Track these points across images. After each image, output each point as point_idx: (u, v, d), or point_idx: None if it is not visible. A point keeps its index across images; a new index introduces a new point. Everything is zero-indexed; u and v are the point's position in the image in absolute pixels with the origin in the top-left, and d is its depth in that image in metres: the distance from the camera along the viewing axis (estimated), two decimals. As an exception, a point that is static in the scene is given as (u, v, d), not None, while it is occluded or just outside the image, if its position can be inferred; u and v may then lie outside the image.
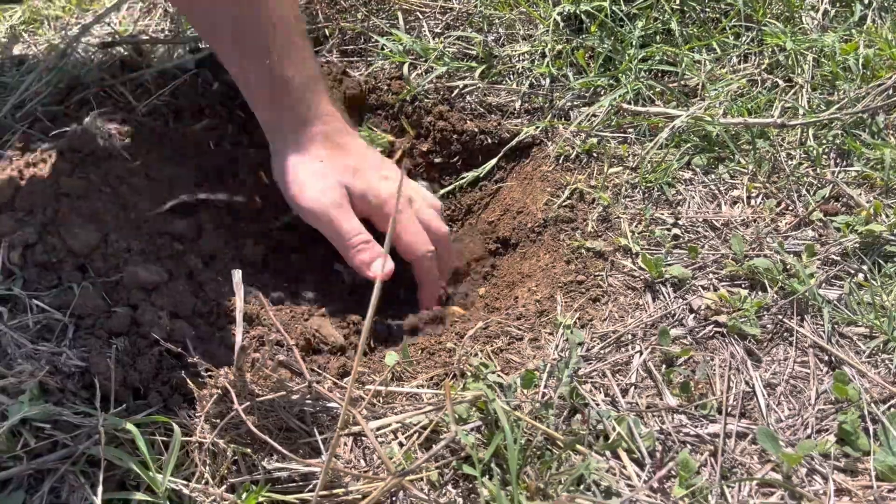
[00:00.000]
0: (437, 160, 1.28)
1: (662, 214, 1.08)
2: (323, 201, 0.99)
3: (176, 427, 0.72)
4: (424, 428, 0.80)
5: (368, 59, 1.35)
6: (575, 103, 1.28)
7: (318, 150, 1.02)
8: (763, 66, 1.27)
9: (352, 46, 1.37)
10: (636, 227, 1.07)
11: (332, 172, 1.01)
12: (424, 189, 1.18)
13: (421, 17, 1.39)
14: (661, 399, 0.85)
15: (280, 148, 1.03)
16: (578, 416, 0.82)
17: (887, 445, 0.78)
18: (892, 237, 0.99)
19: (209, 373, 0.78)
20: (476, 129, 1.26)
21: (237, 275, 0.89)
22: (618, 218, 1.09)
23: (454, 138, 1.27)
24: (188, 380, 0.78)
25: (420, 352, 0.96)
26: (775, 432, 0.80)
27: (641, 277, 1.00)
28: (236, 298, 0.86)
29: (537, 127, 1.25)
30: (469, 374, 0.88)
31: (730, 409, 0.83)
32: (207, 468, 0.75)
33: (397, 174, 1.06)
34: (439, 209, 1.13)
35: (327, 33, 1.39)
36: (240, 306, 0.84)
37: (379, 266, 0.98)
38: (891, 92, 1.20)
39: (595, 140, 1.20)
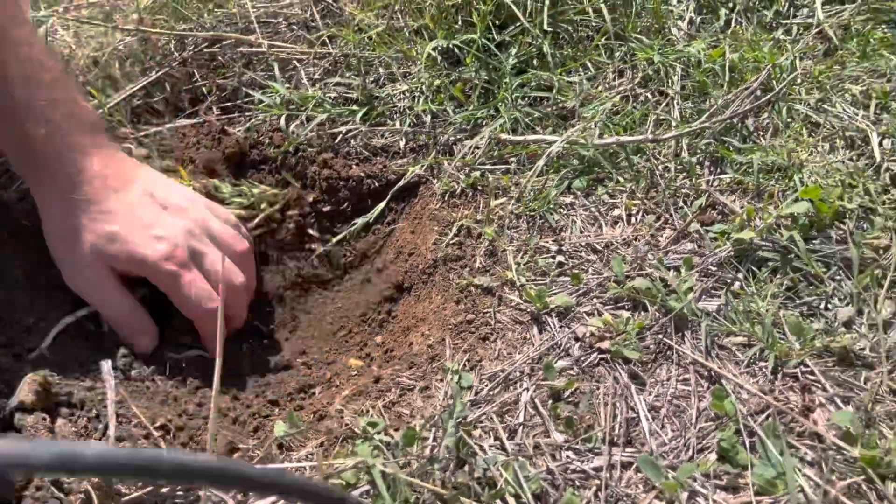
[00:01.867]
0: (327, 208, 1.27)
1: (546, 242, 1.09)
2: (78, 283, 0.95)
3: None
4: None
5: (248, 113, 1.33)
6: (458, 137, 1.28)
7: (74, 220, 0.92)
8: (636, 81, 1.30)
9: (230, 103, 1.35)
10: (522, 258, 1.08)
11: (84, 248, 0.92)
12: (222, 221, 1.07)
13: (298, 65, 1.39)
14: (549, 436, 0.85)
15: (43, 217, 0.95)
16: (466, 467, 0.82)
17: (766, 457, 0.79)
18: (764, 242, 1.02)
19: (70, 481, 0.75)
20: (362, 174, 1.26)
21: (106, 365, 0.86)
22: (504, 251, 1.09)
23: (341, 185, 1.26)
24: (53, 487, 0.75)
25: (312, 415, 0.95)
26: (659, 457, 0.80)
27: (528, 310, 1.01)
28: (107, 389, 0.83)
29: (422, 165, 1.25)
30: (358, 435, 0.87)
31: (615, 438, 0.84)
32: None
33: (177, 227, 0.97)
34: (242, 251, 1.07)
35: (205, 91, 1.37)
36: (111, 397, 0.82)
37: (144, 343, 1.00)
38: (759, 93, 1.24)
39: (479, 173, 1.20)
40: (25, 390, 0.87)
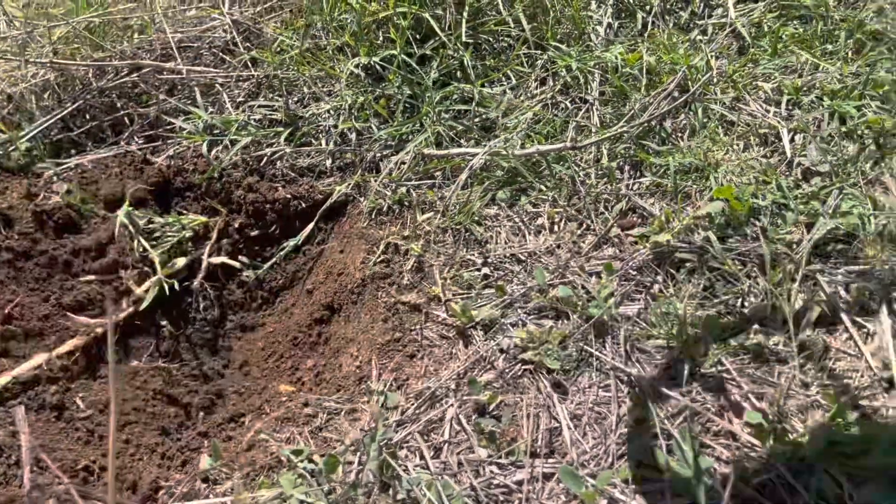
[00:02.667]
0: (255, 233, 1.26)
1: (472, 255, 1.10)
2: None
3: None
4: (234, 535, 0.78)
5: (169, 140, 1.32)
6: (383, 153, 1.28)
7: None
8: (556, 90, 1.31)
9: (153, 131, 1.34)
10: (448, 272, 1.08)
11: None
12: None
13: (221, 89, 1.37)
14: (473, 452, 0.86)
15: None
16: (391, 490, 0.82)
17: (683, 459, 0.80)
18: (681, 243, 1.03)
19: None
20: (289, 196, 1.25)
21: (20, 411, 0.85)
22: (430, 266, 1.09)
23: (267, 208, 1.25)
24: None
25: (241, 444, 0.94)
26: (580, 466, 0.81)
27: (454, 325, 1.01)
28: (22, 436, 0.82)
29: (349, 184, 1.24)
30: (283, 464, 0.86)
31: (537, 449, 0.84)
32: None
33: None
34: None
35: (127, 120, 1.35)
36: (25, 443, 0.81)
37: None
38: (675, 94, 1.26)
39: (405, 189, 1.20)
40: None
